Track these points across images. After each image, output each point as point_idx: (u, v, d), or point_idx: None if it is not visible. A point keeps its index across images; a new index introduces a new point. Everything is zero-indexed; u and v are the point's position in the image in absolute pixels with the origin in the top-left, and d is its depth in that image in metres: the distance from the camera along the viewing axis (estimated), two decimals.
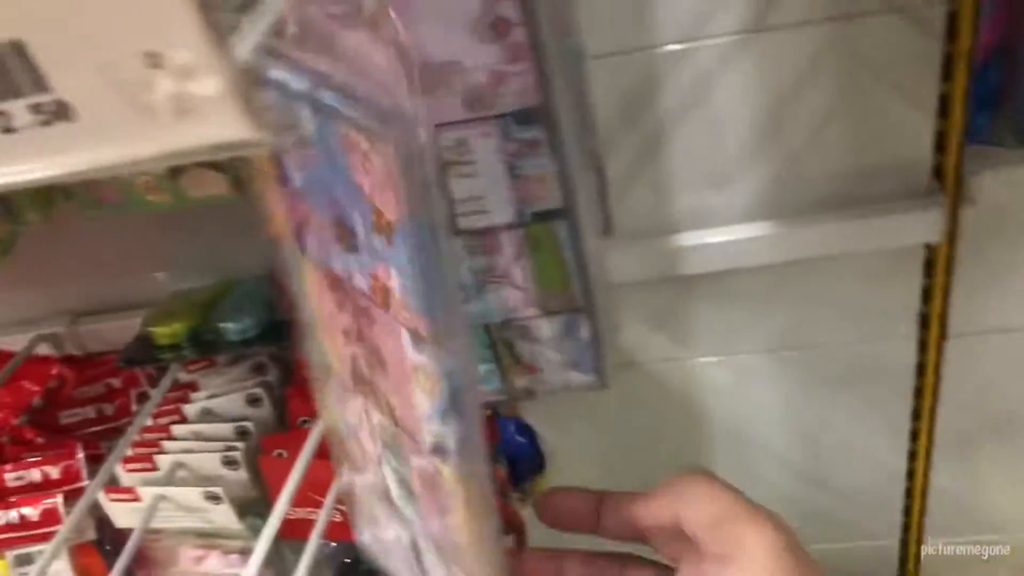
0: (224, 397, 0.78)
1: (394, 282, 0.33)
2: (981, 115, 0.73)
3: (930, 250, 0.83)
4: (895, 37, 0.71)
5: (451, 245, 0.48)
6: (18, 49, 0.18)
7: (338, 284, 0.37)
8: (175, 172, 0.58)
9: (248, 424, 0.75)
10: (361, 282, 0.35)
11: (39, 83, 0.19)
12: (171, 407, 0.78)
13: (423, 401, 0.35)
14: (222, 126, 0.19)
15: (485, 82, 0.44)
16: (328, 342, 0.41)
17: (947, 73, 0.72)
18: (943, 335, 0.88)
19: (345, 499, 0.49)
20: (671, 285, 0.88)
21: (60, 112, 0.19)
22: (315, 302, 0.40)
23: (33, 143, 0.19)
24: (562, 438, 1.01)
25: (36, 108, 0.19)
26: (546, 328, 0.53)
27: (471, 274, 0.52)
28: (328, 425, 0.47)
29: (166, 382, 0.80)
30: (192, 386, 0.81)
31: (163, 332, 0.77)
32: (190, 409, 0.78)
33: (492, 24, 0.42)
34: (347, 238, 0.34)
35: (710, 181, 0.81)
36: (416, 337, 0.33)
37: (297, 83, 0.29)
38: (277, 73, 0.29)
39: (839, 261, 0.85)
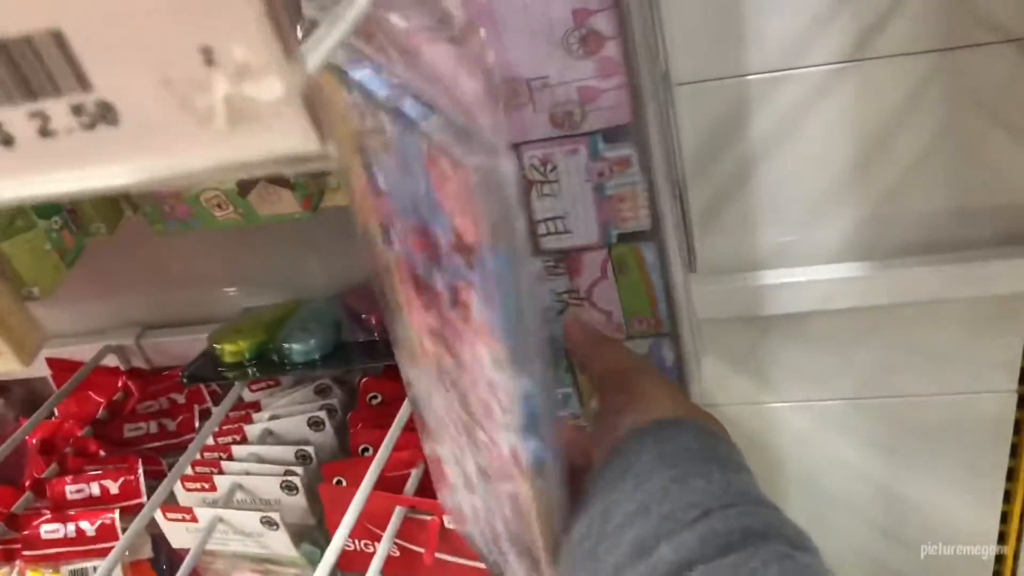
0: (286, 419, 0.76)
1: (473, 302, 0.32)
2: None
3: None
4: (1008, 70, 0.66)
5: (533, 269, 0.47)
6: (57, 40, 0.16)
7: (424, 287, 0.36)
8: (244, 188, 0.56)
9: (309, 449, 0.73)
10: (443, 291, 0.34)
11: (80, 80, 0.16)
12: (233, 426, 0.77)
13: (499, 414, 0.35)
14: (284, 136, 0.16)
15: (575, 98, 0.41)
16: (414, 329, 0.42)
17: None
18: None
19: (429, 464, 0.53)
20: (752, 324, 0.84)
21: (103, 114, 0.17)
22: (401, 295, 0.41)
23: (74, 149, 0.17)
24: None
25: (77, 109, 0.17)
26: None
27: (552, 295, 0.49)
28: (412, 397, 0.50)
29: (229, 400, 0.79)
30: (255, 406, 0.80)
31: (229, 349, 0.76)
32: (252, 429, 0.76)
33: (584, 38, 0.39)
34: (429, 248, 0.33)
35: (798, 217, 0.77)
36: (494, 358, 0.33)
37: (379, 88, 0.27)
38: (360, 74, 0.27)
39: (934, 307, 0.80)
